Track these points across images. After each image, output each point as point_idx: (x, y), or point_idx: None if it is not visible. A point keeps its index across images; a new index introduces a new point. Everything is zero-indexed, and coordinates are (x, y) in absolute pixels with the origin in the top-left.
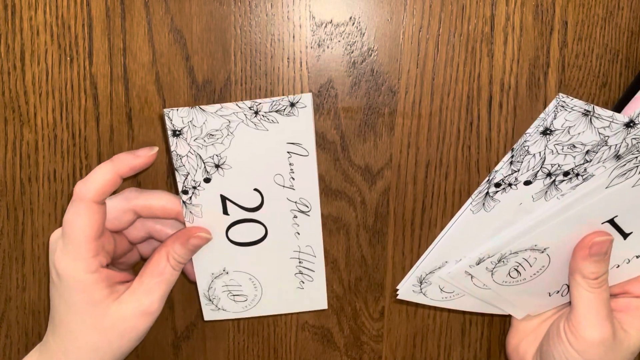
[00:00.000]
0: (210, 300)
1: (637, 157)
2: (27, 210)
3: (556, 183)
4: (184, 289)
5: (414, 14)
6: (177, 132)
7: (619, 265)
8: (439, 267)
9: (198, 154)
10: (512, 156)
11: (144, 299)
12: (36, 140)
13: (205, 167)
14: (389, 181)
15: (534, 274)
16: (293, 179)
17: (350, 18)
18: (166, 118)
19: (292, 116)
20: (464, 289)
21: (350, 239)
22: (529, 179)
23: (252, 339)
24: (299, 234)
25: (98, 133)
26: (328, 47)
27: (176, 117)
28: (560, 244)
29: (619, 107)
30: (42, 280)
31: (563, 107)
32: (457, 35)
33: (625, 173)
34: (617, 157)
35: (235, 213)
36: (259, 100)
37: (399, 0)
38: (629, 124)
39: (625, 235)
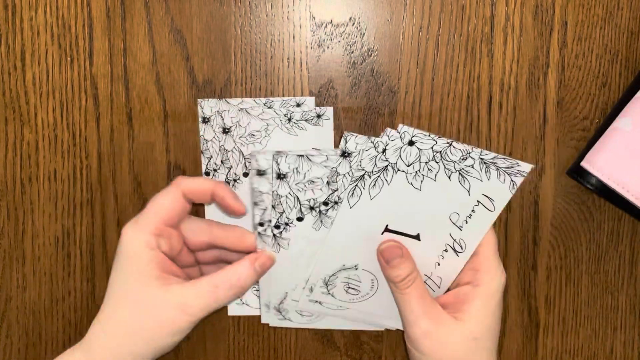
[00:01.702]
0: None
1: (356, 181)
2: (27, 210)
3: (323, 212)
4: None
5: (414, 14)
6: (227, 130)
7: (439, 263)
8: (284, 298)
9: (240, 150)
10: (273, 202)
11: (191, 298)
12: (37, 141)
13: (245, 162)
14: None
15: (372, 287)
16: None
17: (350, 18)
18: (219, 117)
19: (317, 126)
20: (322, 313)
21: None
22: (299, 216)
23: (252, 339)
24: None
25: (98, 133)
26: (328, 47)
27: (227, 117)
28: (366, 259)
29: (619, 107)
30: (42, 280)
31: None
32: (457, 36)
33: (353, 193)
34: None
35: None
36: (292, 109)
37: (399, 1)
38: (344, 154)
39: (417, 237)
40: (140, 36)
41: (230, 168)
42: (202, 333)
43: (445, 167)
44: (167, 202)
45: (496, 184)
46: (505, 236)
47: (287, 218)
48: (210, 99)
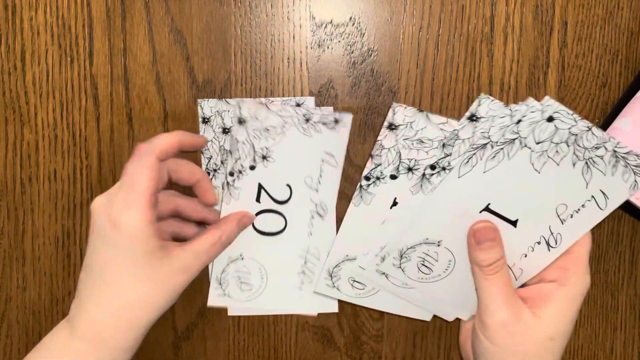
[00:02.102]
0: (220, 284)
1: (476, 149)
2: (27, 210)
3: (427, 177)
4: (185, 290)
5: (414, 14)
6: (242, 120)
7: (526, 255)
8: (344, 260)
9: (252, 143)
10: (372, 150)
11: (191, 258)
12: (37, 141)
13: (254, 155)
14: None
15: (446, 269)
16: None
17: (350, 18)
18: (237, 107)
19: (333, 130)
20: (384, 287)
21: None
22: (393, 173)
23: (252, 339)
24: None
25: (98, 133)
26: (328, 47)
27: (245, 108)
28: (452, 237)
29: (619, 107)
30: (42, 280)
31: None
32: (457, 36)
33: (468, 162)
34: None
35: (266, 202)
36: (311, 110)
37: (399, 1)
38: (472, 118)
39: (513, 223)
40: (140, 36)
41: (238, 159)
42: (202, 333)
43: (575, 153)
44: (149, 172)
45: (618, 181)
46: None
47: (381, 172)
48: (210, 99)
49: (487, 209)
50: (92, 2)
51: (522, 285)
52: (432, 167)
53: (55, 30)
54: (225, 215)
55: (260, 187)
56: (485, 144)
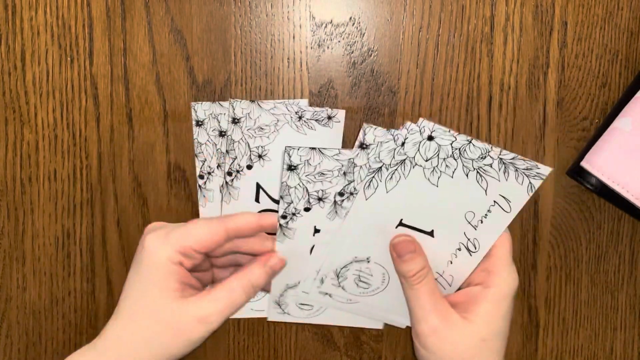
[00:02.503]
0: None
1: (373, 172)
2: (27, 210)
3: (338, 203)
4: None
5: (414, 14)
6: (236, 120)
7: (451, 262)
8: (286, 289)
9: (247, 142)
10: (280, 192)
11: (207, 306)
12: (37, 141)
13: (250, 154)
14: None
15: (383, 281)
16: None
17: (350, 18)
18: (230, 106)
19: (327, 127)
20: (330, 306)
21: None
22: (306, 206)
23: (252, 339)
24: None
25: (98, 133)
26: (328, 47)
27: (238, 107)
28: (378, 253)
29: (618, 107)
30: (42, 280)
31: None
32: (457, 36)
33: (369, 185)
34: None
35: (265, 202)
36: (304, 107)
37: (399, 1)
38: (362, 146)
39: (430, 234)
40: (140, 36)
41: (234, 159)
42: None
43: (463, 165)
44: (205, 234)
45: (514, 185)
46: None
47: (295, 209)
48: (203, 102)
49: (401, 224)
50: (92, 2)
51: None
52: (340, 194)
53: (55, 30)
54: (227, 215)
55: (258, 186)
56: (380, 167)
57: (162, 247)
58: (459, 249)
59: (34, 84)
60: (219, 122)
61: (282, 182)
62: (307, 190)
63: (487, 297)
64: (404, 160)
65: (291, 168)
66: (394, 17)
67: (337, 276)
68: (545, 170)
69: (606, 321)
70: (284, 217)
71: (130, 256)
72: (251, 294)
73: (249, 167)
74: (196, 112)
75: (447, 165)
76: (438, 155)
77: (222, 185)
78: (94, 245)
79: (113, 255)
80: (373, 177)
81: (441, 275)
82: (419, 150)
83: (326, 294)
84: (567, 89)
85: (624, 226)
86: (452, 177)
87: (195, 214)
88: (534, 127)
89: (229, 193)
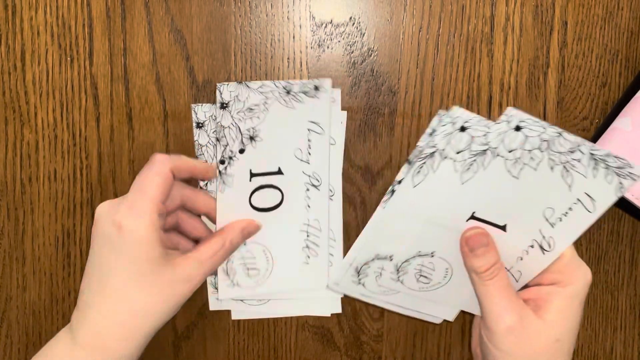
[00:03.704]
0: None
1: (425, 159)
2: (27, 210)
3: (222, 172)
4: None
5: (414, 14)
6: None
7: (522, 258)
8: (373, 259)
9: (238, 126)
10: (217, 136)
11: (194, 267)
12: (37, 140)
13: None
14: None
15: (445, 276)
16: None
17: (350, 18)
18: (217, 92)
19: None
20: (361, 296)
21: (350, 239)
22: (240, 148)
23: (252, 339)
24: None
25: (98, 133)
26: (328, 47)
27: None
28: (444, 247)
29: (618, 107)
30: (42, 280)
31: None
32: (457, 35)
33: (419, 172)
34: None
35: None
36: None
37: (399, 1)
38: (222, 106)
39: (503, 228)
40: (140, 36)
41: (226, 145)
42: (202, 333)
43: (549, 158)
44: (160, 180)
45: (602, 183)
46: None
47: (231, 151)
48: (204, 104)
49: (473, 217)
50: (92, 2)
51: (523, 288)
52: (221, 161)
53: (55, 30)
54: (220, 209)
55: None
56: (434, 152)
57: (140, 220)
58: (532, 246)
59: (34, 84)
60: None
61: (217, 123)
62: (239, 129)
63: (562, 295)
64: (485, 150)
65: (223, 106)
66: (394, 17)
67: (397, 270)
68: (639, 170)
69: (606, 321)
70: (222, 162)
71: None
72: (227, 257)
73: (241, 151)
74: (196, 114)
75: (531, 158)
76: (523, 147)
77: (217, 175)
78: None
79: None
80: (424, 162)
81: (508, 271)
82: (503, 140)
83: (359, 283)
84: (567, 89)
85: (624, 226)
86: (535, 169)
87: None
88: None
89: (223, 182)
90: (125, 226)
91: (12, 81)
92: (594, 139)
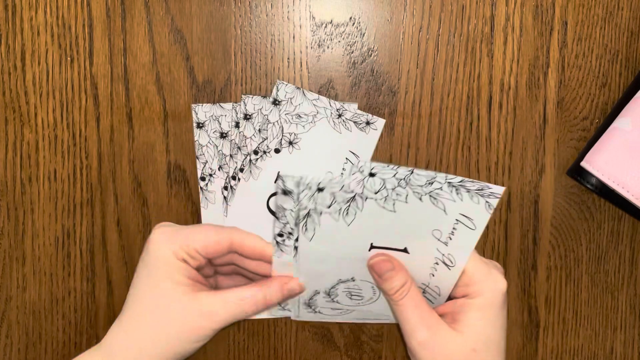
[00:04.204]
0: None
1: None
2: (27, 210)
3: (253, 162)
4: None
5: (414, 14)
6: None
7: (433, 275)
8: (313, 295)
9: (282, 125)
10: (260, 127)
11: (218, 307)
12: (37, 140)
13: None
14: None
15: (375, 292)
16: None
17: (350, 18)
18: (275, 88)
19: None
20: (326, 319)
21: None
22: (277, 147)
23: (252, 339)
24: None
25: (98, 133)
26: (328, 47)
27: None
28: (359, 273)
29: (618, 107)
30: (42, 280)
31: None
32: (457, 36)
33: (306, 229)
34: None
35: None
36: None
37: (399, 1)
38: (275, 102)
39: (405, 250)
40: (140, 36)
41: (265, 139)
42: None
43: (413, 192)
44: (210, 239)
45: (471, 204)
46: (506, 236)
47: (267, 146)
48: (204, 104)
49: (373, 247)
50: (92, 2)
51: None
52: (255, 152)
53: (55, 30)
54: (238, 199)
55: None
56: (307, 212)
57: (167, 243)
58: (437, 264)
59: (34, 84)
60: (220, 124)
61: (263, 115)
62: (282, 129)
63: (473, 306)
64: (354, 196)
65: (276, 102)
66: (394, 17)
67: (329, 295)
68: (499, 190)
69: (606, 321)
70: (255, 152)
71: (130, 256)
72: (260, 308)
73: (277, 150)
74: (197, 114)
75: (397, 194)
76: (385, 187)
77: (224, 188)
78: (94, 245)
79: (113, 255)
80: (305, 221)
81: (427, 286)
82: (364, 186)
83: (316, 312)
84: (567, 89)
85: (624, 226)
86: (406, 202)
87: (195, 214)
88: (534, 127)
89: (250, 171)
90: (153, 241)
91: (12, 81)
92: (594, 139)
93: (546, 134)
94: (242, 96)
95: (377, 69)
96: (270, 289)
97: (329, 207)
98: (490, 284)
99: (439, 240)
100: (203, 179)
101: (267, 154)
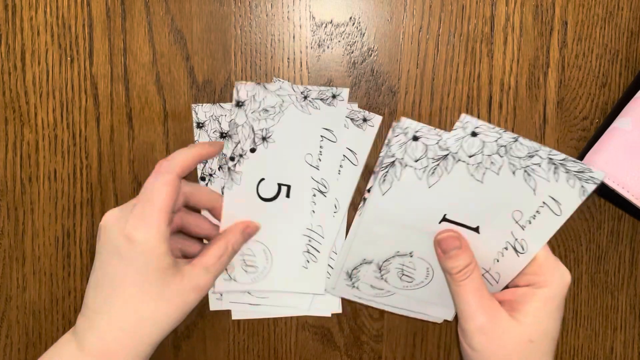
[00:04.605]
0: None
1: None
2: (27, 210)
3: (231, 168)
4: None
5: (414, 14)
6: (240, 103)
7: (498, 260)
8: (361, 264)
9: (252, 125)
10: (230, 132)
11: (202, 275)
12: (37, 140)
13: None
14: None
15: (427, 276)
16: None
17: (350, 18)
18: (235, 90)
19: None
20: (363, 300)
21: None
22: (252, 147)
23: (252, 339)
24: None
25: (98, 133)
26: (328, 47)
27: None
28: (422, 248)
29: (618, 107)
30: (42, 280)
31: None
32: (457, 35)
33: (384, 180)
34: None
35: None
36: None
37: (399, 1)
38: (238, 104)
39: (476, 230)
40: (140, 36)
41: (238, 143)
42: (202, 333)
43: (510, 162)
44: (168, 189)
45: (565, 187)
46: None
47: (242, 149)
48: (204, 104)
49: (445, 219)
50: (92, 2)
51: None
52: (231, 158)
53: (55, 30)
54: (226, 206)
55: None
56: (393, 161)
57: (150, 230)
58: (506, 248)
59: (34, 84)
60: (220, 124)
61: (231, 120)
62: (252, 128)
63: (536, 297)
64: (446, 155)
65: (239, 104)
66: (394, 17)
67: (380, 269)
68: (599, 174)
69: (606, 321)
70: (232, 158)
71: None
72: (232, 257)
73: (253, 150)
74: (197, 113)
75: (492, 162)
76: (482, 151)
77: (224, 171)
78: (94, 245)
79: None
80: (387, 171)
81: (487, 272)
82: (461, 145)
83: (354, 287)
84: (567, 89)
85: (624, 226)
86: (497, 174)
87: None
88: (534, 127)
89: (231, 179)
90: (135, 238)
91: (12, 81)
92: (594, 139)
93: (546, 134)
94: (235, 83)
95: (377, 68)
96: (234, 235)
97: (417, 160)
98: (558, 275)
99: (517, 222)
100: (203, 179)
101: (243, 156)
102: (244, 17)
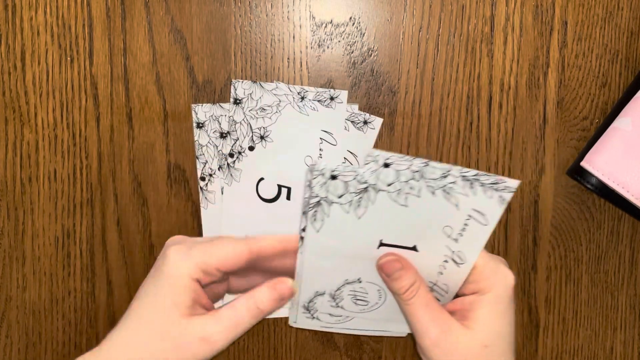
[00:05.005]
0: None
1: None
2: (27, 210)
3: (230, 165)
4: None
5: (414, 14)
6: (238, 101)
7: (441, 273)
8: (315, 296)
9: (249, 123)
10: (228, 129)
11: (211, 326)
12: (37, 140)
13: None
14: None
15: (380, 297)
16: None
17: (350, 18)
18: (232, 87)
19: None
20: (325, 327)
21: None
22: (250, 145)
23: (252, 339)
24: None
25: (98, 133)
26: (328, 47)
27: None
28: (367, 274)
29: (618, 107)
30: (42, 280)
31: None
32: (457, 35)
33: (315, 219)
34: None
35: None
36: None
37: (399, 1)
38: (236, 102)
39: (414, 249)
40: (140, 36)
41: (236, 140)
42: None
43: (427, 185)
44: (228, 254)
45: (484, 199)
46: (506, 236)
47: (240, 146)
48: (204, 104)
49: (382, 244)
50: (92, 2)
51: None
52: (230, 154)
53: (55, 30)
54: (227, 206)
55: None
56: (318, 200)
57: (184, 261)
58: (446, 261)
59: (34, 84)
60: (220, 124)
61: (228, 117)
62: (250, 126)
63: (483, 302)
64: (367, 188)
65: (237, 102)
66: (394, 17)
67: (334, 298)
68: (513, 183)
69: (606, 321)
70: (231, 155)
71: (130, 256)
72: (257, 316)
73: (251, 148)
74: (197, 114)
75: (411, 187)
76: (399, 179)
77: (223, 167)
78: (94, 245)
79: (113, 255)
80: (316, 210)
81: (435, 284)
82: (378, 177)
83: (314, 317)
84: (567, 89)
85: (624, 226)
86: (419, 196)
87: (195, 214)
88: (534, 127)
89: (231, 175)
90: (169, 258)
91: (12, 81)
92: (594, 139)
93: (546, 134)
94: (233, 81)
95: (377, 69)
96: (261, 292)
97: (341, 197)
98: (500, 278)
99: (449, 237)
100: (203, 179)
101: (242, 154)
102: (244, 17)
